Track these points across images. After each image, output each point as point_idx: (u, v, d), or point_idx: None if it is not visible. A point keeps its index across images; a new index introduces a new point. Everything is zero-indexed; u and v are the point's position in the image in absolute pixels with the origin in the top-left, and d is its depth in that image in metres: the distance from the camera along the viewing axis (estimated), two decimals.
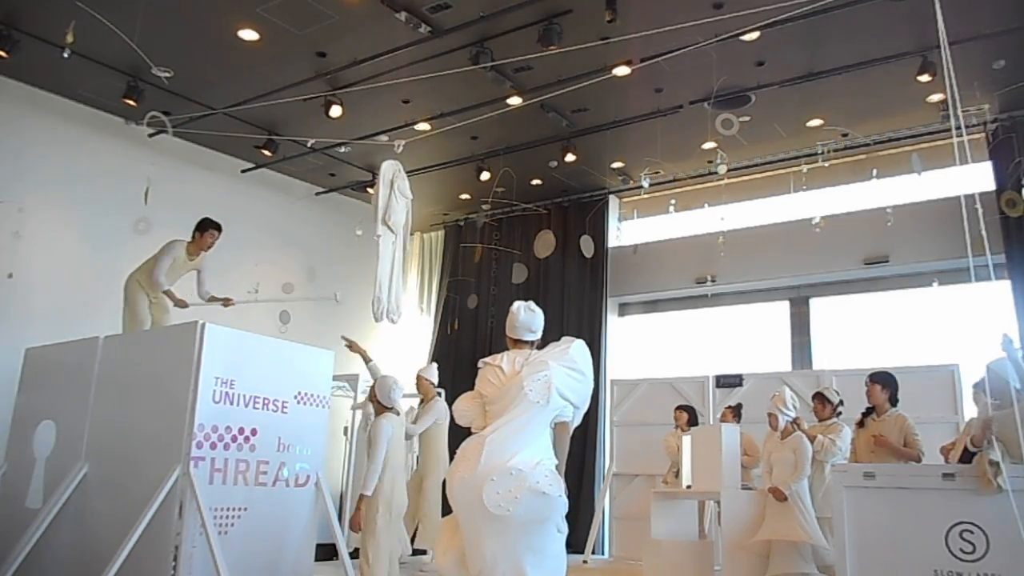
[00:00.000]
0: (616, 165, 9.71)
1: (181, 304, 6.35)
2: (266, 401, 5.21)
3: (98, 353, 5.63)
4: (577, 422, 3.54)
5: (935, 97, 7.61)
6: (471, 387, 3.58)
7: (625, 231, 10.92)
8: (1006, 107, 7.90)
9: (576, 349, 3.46)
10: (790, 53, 7.04)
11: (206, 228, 6.50)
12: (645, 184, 9.05)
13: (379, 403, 5.17)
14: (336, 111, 7.81)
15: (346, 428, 9.07)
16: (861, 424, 5.70)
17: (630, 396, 9.30)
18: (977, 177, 8.03)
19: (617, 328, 10.67)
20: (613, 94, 7.77)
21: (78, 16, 6.38)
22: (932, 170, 7.91)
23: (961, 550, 4.11)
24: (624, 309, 10.91)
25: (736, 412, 7.32)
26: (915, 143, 8.51)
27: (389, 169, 5.71)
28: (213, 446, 4.86)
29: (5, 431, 6.33)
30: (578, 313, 10.32)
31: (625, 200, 10.95)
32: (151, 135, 8.58)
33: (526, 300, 3.72)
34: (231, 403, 5.00)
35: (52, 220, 8.14)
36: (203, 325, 4.93)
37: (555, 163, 9.17)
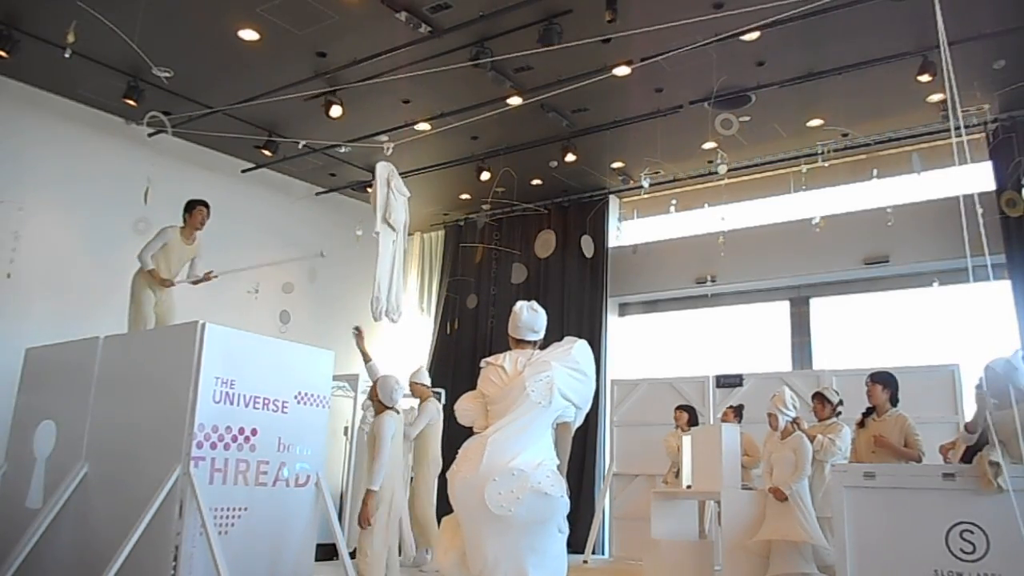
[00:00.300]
0: (616, 165, 9.71)
1: (167, 283, 6.39)
2: (266, 401, 5.21)
3: (98, 353, 5.63)
4: (579, 423, 3.54)
5: (935, 97, 7.61)
6: (471, 387, 3.58)
7: (625, 231, 10.92)
8: (1006, 107, 7.90)
9: (578, 349, 3.45)
10: (790, 53, 7.04)
11: (193, 207, 6.56)
12: (645, 184, 9.06)
13: (380, 402, 5.20)
14: (336, 111, 7.80)
15: (346, 428, 9.08)
16: (862, 424, 5.69)
17: (630, 396, 9.30)
18: (977, 177, 8.03)
19: (617, 328, 10.67)
20: (613, 94, 7.77)
21: (78, 16, 6.38)
22: (932, 170, 7.92)
23: (961, 550, 4.11)
24: (624, 309, 10.91)
25: (738, 412, 7.32)
26: (915, 143, 8.51)
27: (384, 169, 5.74)
28: (213, 446, 4.86)
29: (5, 431, 6.33)
30: (578, 313, 10.32)
31: (625, 200, 10.95)
32: (151, 135, 8.57)
33: (527, 300, 3.71)
34: (231, 403, 4.99)
35: (52, 220, 8.13)
36: (203, 325, 4.93)
37: (555, 163, 9.17)
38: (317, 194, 10.64)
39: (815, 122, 8.31)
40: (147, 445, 4.98)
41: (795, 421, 6.05)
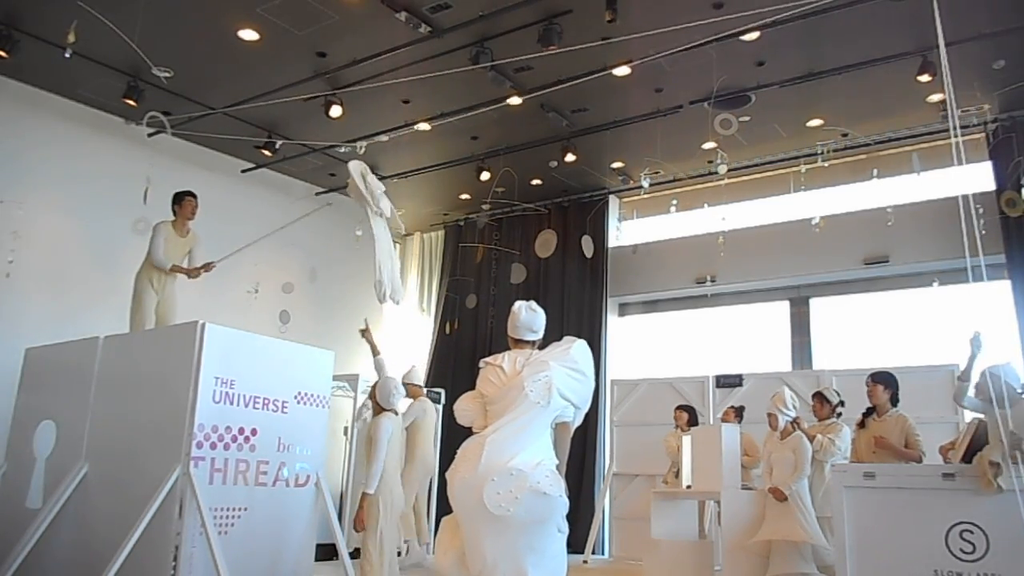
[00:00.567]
0: (616, 165, 9.71)
1: (195, 272, 6.42)
2: (266, 401, 5.21)
3: (98, 353, 5.63)
4: (578, 422, 3.54)
5: (935, 97, 7.61)
6: (470, 387, 3.58)
7: (625, 231, 10.92)
8: (1006, 107, 7.90)
9: (577, 349, 3.45)
10: (790, 53, 7.03)
11: (182, 198, 6.58)
12: (645, 184, 9.05)
13: (378, 404, 5.19)
14: (336, 111, 7.81)
15: (346, 428, 9.08)
16: (862, 424, 5.69)
17: (630, 396, 9.30)
18: (977, 177, 8.03)
19: (617, 328, 10.67)
20: (613, 94, 7.77)
21: (78, 16, 6.37)
22: (932, 170, 7.92)
23: (961, 550, 4.12)
24: (624, 309, 10.91)
25: (738, 413, 7.31)
26: (915, 143, 8.51)
27: (357, 167, 5.69)
28: (213, 446, 4.86)
29: (5, 431, 6.33)
30: (578, 313, 10.32)
31: (625, 200, 10.95)
32: (151, 135, 8.57)
33: (526, 300, 3.72)
34: (231, 403, 5.00)
35: (52, 220, 8.13)
36: (203, 325, 4.93)
37: (555, 163, 9.17)
38: (317, 194, 10.64)
39: (815, 122, 8.31)
40: (147, 445, 4.98)
41: (795, 421, 6.05)
